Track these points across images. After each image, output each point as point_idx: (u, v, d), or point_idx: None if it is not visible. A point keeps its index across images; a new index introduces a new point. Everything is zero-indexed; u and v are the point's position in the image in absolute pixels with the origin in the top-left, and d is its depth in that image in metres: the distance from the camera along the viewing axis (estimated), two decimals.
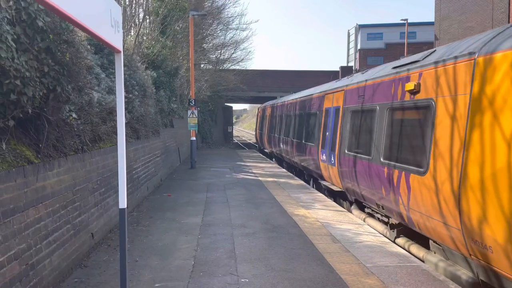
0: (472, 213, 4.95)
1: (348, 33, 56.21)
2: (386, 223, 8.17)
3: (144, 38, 16.10)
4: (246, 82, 35.09)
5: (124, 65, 9.87)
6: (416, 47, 37.30)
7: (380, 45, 51.71)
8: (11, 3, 3.76)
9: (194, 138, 18.23)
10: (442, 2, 25.37)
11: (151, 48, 15.69)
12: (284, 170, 17.89)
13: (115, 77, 4.60)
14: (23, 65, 4.00)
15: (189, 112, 18.28)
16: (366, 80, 9.13)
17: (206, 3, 25.87)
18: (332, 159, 10.98)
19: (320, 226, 8.13)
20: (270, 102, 26.22)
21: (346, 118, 10.19)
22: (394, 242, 7.48)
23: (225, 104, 43.39)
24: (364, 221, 8.87)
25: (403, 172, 6.80)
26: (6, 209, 3.94)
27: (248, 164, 20.00)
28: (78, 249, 5.77)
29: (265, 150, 26.45)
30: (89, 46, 7.44)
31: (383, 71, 8.48)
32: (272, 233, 7.58)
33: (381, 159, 7.71)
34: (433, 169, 5.87)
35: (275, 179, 14.58)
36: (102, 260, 6.04)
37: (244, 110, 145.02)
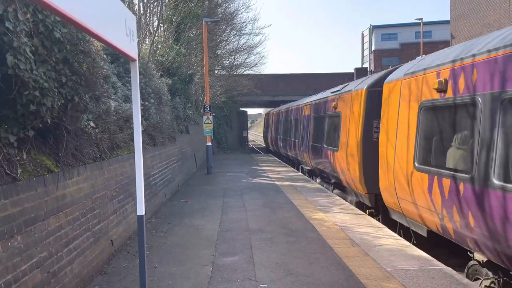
0: (350, 167, 10.54)
1: (362, 34, 55.85)
2: (329, 183, 13.74)
3: (159, 46, 16.29)
4: (260, 87, 35.17)
5: (140, 73, 9.98)
6: (432, 46, 36.81)
7: (395, 45, 51.22)
8: (28, 15, 3.84)
9: (209, 144, 18.31)
10: (457, 0, 25.00)
11: (166, 55, 15.87)
12: (300, 173, 17.84)
13: (131, 86, 4.66)
14: (41, 76, 4.07)
15: (204, 118, 18.38)
16: (319, 98, 15.29)
17: (219, 10, 26.05)
18: (306, 149, 16.73)
19: (338, 229, 8.05)
20: (272, 110, 34.19)
21: (312, 122, 15.95)
22: (332, 192, 12.98)
23: (240, 109, 43.54)
24: (321, 185, 14.43)
25: (332, 151, 12.43)
26: (27, 218, 4.00)
27: (264, 168, 19.97)
28: (98, 256, 5.83)
29: (270, 148, 32.83)
30: (105, 56, 7.57)
31: (328, 93, 14.37)
32: (290, 238, 7.53)
33: (324, 145, 13.49)
34: (340, 148, 11.53)
35: (292, 183, 14.52)
36: (122, 267, 6.09)
37: (259, 114, 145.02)
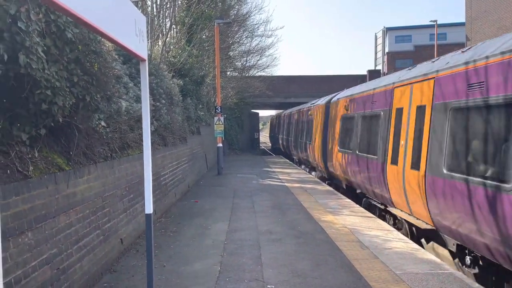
0: (316, 153, 17.04)
1: (375, 36, 55.43)
2: (308, 166, 20.15)
3: (171, 47, 16.40)
4: (272, 89, 35.11)
5: (151, 74, 10.07)
6: (447, 49, 36.31)
7: (409, 47, 50.70)
8: (40, 16, 3.91)
9: (220, 145, 18.36)
10: (472, 1, 24.67)
11: (178, 56, 15.96)
12: (311, 175, 17.80)
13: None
14: (53, 75, 4.14)
15: (216, 119, 18.44)
16: (304, 107, 21.90)
17: (231, 11, 26.12)
18: (296, 144, 23.25)
19: (347, 232, 8.00)
20: (277, 113, 41.87)
21: (300, 124, 22.65)
22: (310, 174, 18.58)
23: (252, 110, 43.47)
24: (305, 171, 20.25)
25: (309, 144, 18.75)
26: (38, 215, 4.07)
27: (274, 170, 19.96)
28: (107, 254, 5.89)
29: (275, 146, 39.34)
30: (116, 56, 7.65)
31: (309, 104, 21.07)
32: (299, 239, 7.51)
33: (305, 141, 19.91)
34: (313, 141, 17.83)
35: (302, 185, 14.48)
36: (131, 265, 6.14)
37: (271, 116, 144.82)
